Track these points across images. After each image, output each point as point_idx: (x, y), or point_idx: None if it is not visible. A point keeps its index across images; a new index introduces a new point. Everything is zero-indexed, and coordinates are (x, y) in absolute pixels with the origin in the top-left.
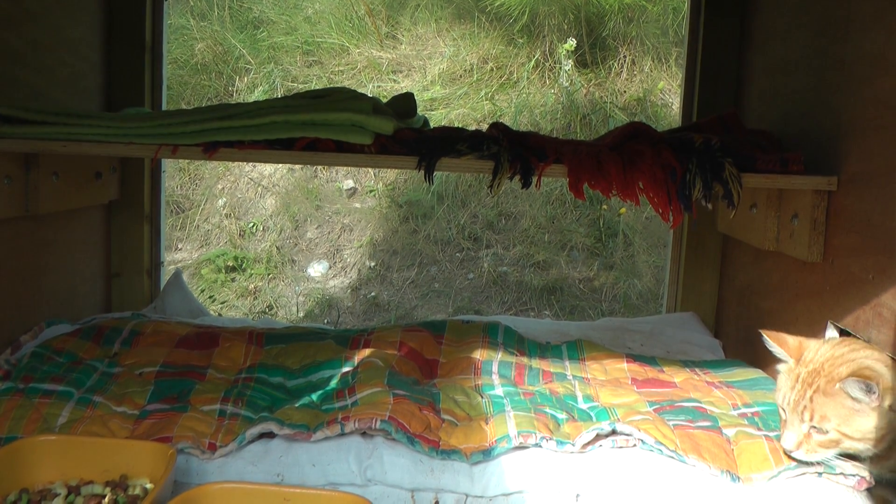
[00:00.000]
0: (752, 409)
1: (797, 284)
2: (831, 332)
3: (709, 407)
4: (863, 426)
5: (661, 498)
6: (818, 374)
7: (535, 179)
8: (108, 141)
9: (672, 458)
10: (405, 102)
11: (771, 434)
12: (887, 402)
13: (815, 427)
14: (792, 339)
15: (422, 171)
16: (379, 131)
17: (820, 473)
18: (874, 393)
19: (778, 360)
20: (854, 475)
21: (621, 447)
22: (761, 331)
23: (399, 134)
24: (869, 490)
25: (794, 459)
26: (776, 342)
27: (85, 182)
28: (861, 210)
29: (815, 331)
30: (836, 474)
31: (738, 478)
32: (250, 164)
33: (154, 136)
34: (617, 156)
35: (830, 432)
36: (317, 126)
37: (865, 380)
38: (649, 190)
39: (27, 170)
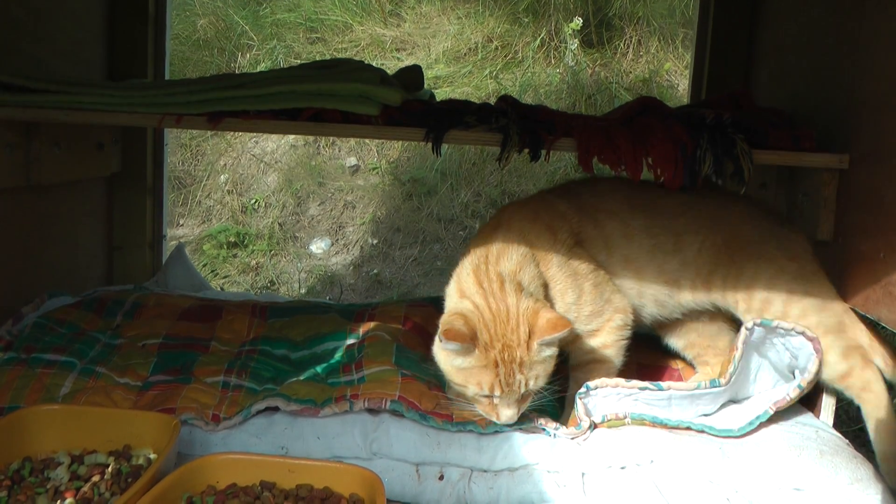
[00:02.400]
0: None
1: None
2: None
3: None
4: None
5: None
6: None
7: (544, 153)
8: (111, 110)
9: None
10: (412, 75)
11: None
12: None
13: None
14: (464, 326)
15: (429, 144)
16: (386, 102)
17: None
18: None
19: None
20: None
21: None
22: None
23: (406, 105)
24: None
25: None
26: (456, 339)
27: (87, 153)
28: (873, 188)
29: None
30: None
31: (719, 382)
32: (253, 140)
33: (158, 106)
34: (627, 130)
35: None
36: (323, 96)
37: None
38: (658, 165)
39: (29, 139)
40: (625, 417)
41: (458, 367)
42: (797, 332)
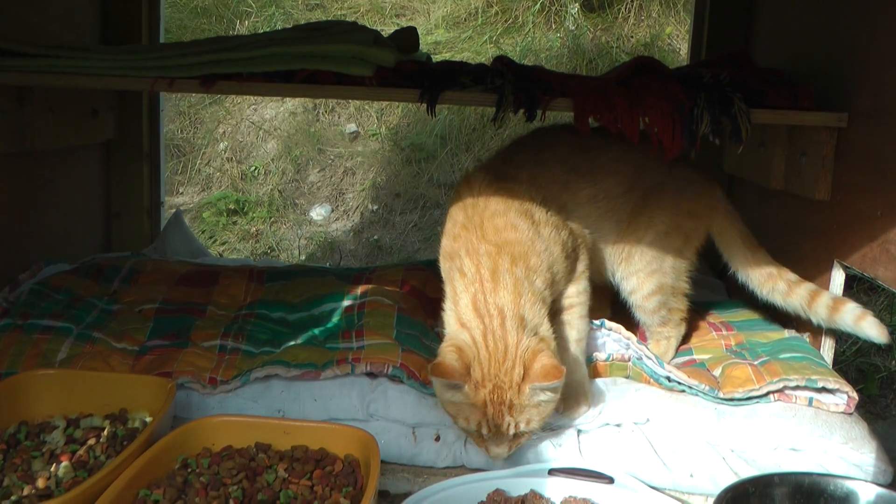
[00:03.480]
0: (743, 347)
1: (803, 224)
2: (839, 272)
3: (699, 356)
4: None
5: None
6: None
7: (539, 113)
8: (103, 74)
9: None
10: (408, 37)
11: (755, 362)
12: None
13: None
14: (457, 360)
15: (424, 106)
16: (380, 63)
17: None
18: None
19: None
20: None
21: None
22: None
23: (401, 66)
24: None
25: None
26: (444, 375)
27: (81, 119)
28: (872, 146)
29: (821, 270)
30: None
31: (717, 393)
32: (252, 107)
33: (150, 69)
34: (623, 90)
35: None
36: (317, 58)
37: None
38: (655, 124)
39: (21, 105)
40: (628, 360)
41: (447, 400)
42: (841, 391)
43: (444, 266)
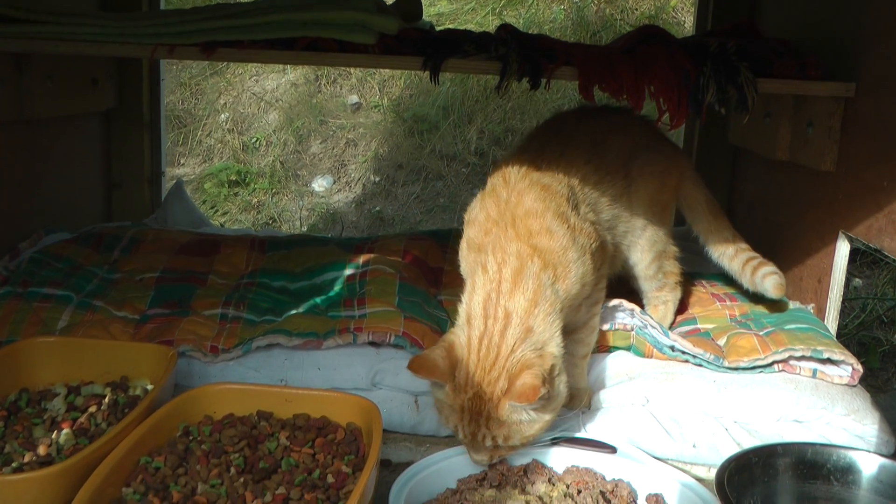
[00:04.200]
0: (748, 317)
1: (809, 195)
2: (843, 243)
3: (703, 325)
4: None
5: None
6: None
7: (544, 81)
8: (102, 41)
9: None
10: (410, 5)
11: (761, 332)
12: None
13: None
14: (443, 359)
15: (427, 75)
16: (383, 30)
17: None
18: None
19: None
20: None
21: None
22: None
23: (404, 34)
24: None
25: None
26: (418, 372)
27: (81, 87)
28: (879, 117)
29: (825, 241)
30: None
31: (722, 362)
32: (253, 78)
33: (150, 36)
34: (629, 58)
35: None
36: (319, 25)
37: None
38: (660, 93)
39: (20, 72)
40: (631, 330)
41: (433, 393)
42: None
43: (469, 257)
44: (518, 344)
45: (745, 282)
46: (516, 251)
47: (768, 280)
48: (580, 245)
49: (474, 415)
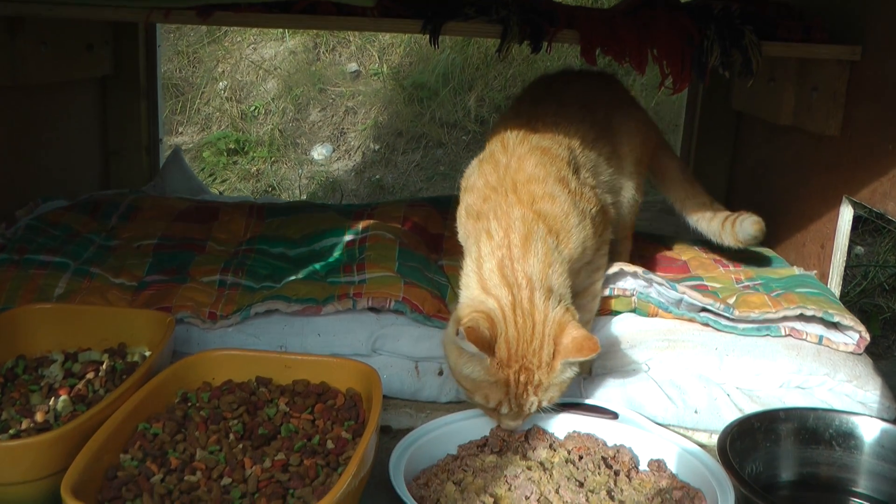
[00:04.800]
0: (756, 282)
1: (812, 160)
2: (847, 208)
3: (710, 283)
4: None
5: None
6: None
7: (545, 44)
8: (97, 4)
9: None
10: None
11: (772, 294)
12: None
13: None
14: (489, 331)
15: (427, 37)
16: None
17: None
18: None
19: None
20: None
21: None
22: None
23: None
24: None
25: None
26: (477, 342)
27: (76, 53)
28: (885, 80)
29: (829, 206)
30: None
31: (732, 311)
32: (251, 46)
33: (145, 0)
34: (632, 21)
35: None
36: None
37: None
38: (664, 57)
39: (12, 36)
40: (632, 295)
41: (466, 374)
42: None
43: (468, 224)
44: (547, 308)
45: (727, 237)
46: (520, 216)
47: (746, 221)
48: (581, 210)
49: (523, 385)
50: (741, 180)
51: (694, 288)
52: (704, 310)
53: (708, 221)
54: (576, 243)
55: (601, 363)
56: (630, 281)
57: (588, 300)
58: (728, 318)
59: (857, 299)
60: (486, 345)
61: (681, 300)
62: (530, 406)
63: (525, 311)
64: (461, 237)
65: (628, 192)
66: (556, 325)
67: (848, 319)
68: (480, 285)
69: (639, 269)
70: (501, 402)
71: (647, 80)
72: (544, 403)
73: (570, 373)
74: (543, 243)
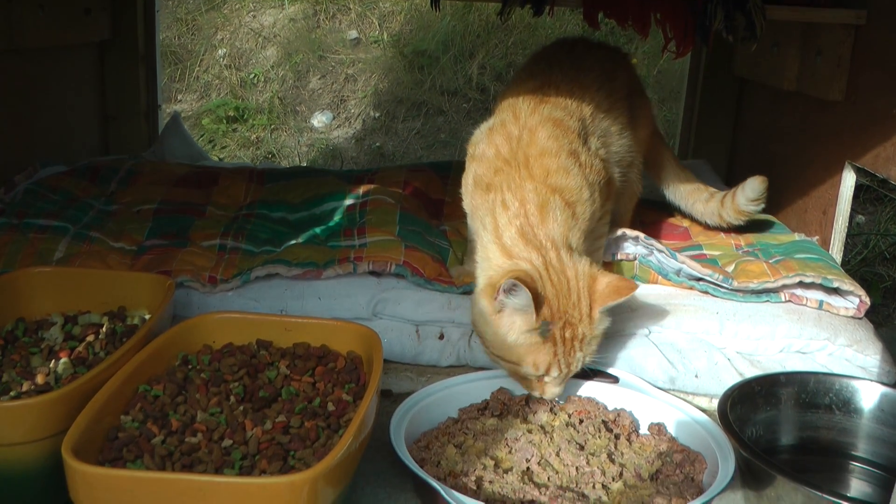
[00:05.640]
0: (755, 247)
1: (815, 126)
2: (849, 173)
3: (710, 251)
4: None
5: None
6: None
7: (547, 8)
8: None
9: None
10: None
11: (770, 260)
12: None
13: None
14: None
15: (428, 1)
16: None
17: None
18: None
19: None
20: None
21: None
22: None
23: None
24: None
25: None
26: (530, 290)
27: (73, 17)
28: (890, 44)
29: (831, 172)
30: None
31: (731, 282)
32: (251, 13)
33: None
34: None
35: None
36: None
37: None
38: (667, 20)
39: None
40: (634, 259)
41: (511, 344)
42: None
43: (475, 195)
44: (575, 262)
45: (728, 212)
46: (534, 189)
47: (749, 182)
48: (590, 182)
49: (569, 342)
50: (743, 148)
51: (693, 258)
52: (703, 280)
53: (705, 203)
54: (588, 215)
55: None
56: (632, 247)
57: None
58: (727, 289)
59: (858, 268)
60: (536, 295)
61: (680, 270)
62: (577, 364)
63: (557, 269)
64: (466, 205)
65: (635, 171)
66: (587, 276)
67: (847, 284)
68: (504, 253)
69: (641, 235)
70: (551, 364)
71: (650, 48)
72: (587, 359)
73: (606, 323)
74: (561, 211)
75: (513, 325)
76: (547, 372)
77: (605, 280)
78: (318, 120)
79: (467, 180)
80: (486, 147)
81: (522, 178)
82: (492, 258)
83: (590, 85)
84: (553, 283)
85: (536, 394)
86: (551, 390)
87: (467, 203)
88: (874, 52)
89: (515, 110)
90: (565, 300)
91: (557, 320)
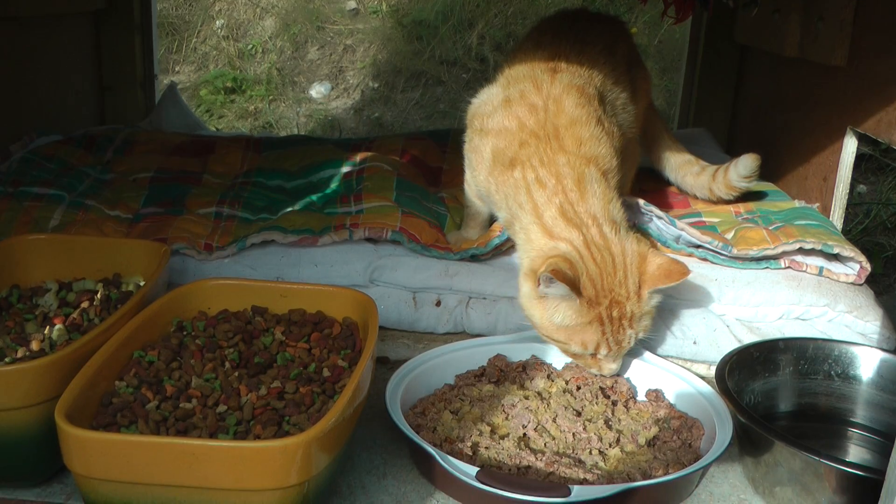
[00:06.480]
0: (754, 214)
1: (817, 92)
2: (851, 139)
3: (709, 218)
4: None
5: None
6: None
7: None
8: None
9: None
10: None
11: (770, 227)
12: None
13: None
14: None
15: None
16: None
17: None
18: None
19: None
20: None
21: None
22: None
23: None
24: None
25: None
26: (564, 280)
27: None
28: (893, 7)
29: (833, 139)
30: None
31: (731, 248)
32: None
33: None
34: None
35: None
36: None
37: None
38: None
39: None
40: (632, 227)
41: (558, 324)
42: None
43: (495, 173)
44: (621, 238)
45: (719, 186)
46: (568, 162)
47: (742, 159)
48: (617, 149)
49: (617, 321)
50: (743, 115)
51: (692, 225)
52: (702, 247)
53: (695, 176)
54: (615, 182)
55: None
56: (630, 214)
57: None
58: (726, 256)
59: (860, 237)
60: (574, 283)
61: (679, 237)
62: (628, 341)
63: (600, 246)
64: (481, 181)
65: (634, 140)
66: (637, 255)
67: (848, 250)
68: (545, 234)
69: (640, 202)
70: (600, 343)
71: (651, 17)
72: (640, 335)
73: (657, 300)
74: (598, 183)
75: (558, 308)
76: (596, 351)
77: (655, 262)
78: (317, 91)
79: (485, 153)
80: (504, 120)
81: (554, 150)
82: (533, 239)
83: (597, 57)
84: (596, 261)
85: (594, 371)
86: (608, 367)
87: (482, 179)
88: (877, 15)
89: (535, 80)
90: (610, 278)
91: (603, 299)
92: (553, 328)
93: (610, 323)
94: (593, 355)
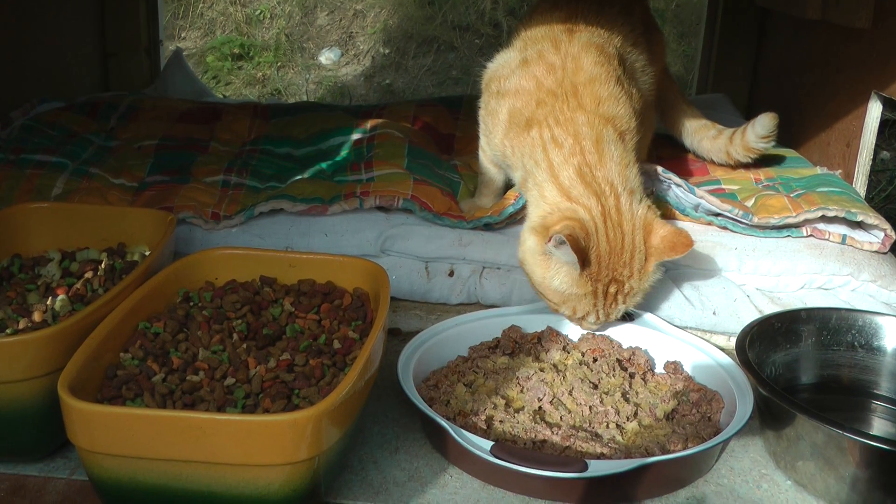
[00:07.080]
0: (775, 181)
1: (840, 55)
2: (875, 104)
3: (728, 185)
4: None
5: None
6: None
7: None
8: None
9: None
10: None
11: (791, 195)
12: None
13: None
14: (584, 240)
15: None
16: None
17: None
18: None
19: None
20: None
21: None
22: (566, 237)
23: None
24: None
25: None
26: (574, 248)
27: None
28: None
29: (857, 102)
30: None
31: (751, 217)
32: None
33: None
34: None
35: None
36: None
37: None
38: None
39: None
40: (650, 195)
41: (555, 288)
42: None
43: (511, 134)
44: (633, 211)
45: (737, 149)
46: (586, 122)
47: (759, 119)
48: (636, 111)
49: (611, 297)
50: (764, 81)
51: (712, 192)
52: (722, 215)
53: (712, 140)
54: (633, 145)
55: None
56: (648, 182)
57: None
58: (747, 224)
59: (883, 205)
60: (584, 254)
61: (698, 205)
62: (616, 314)
63: (615, 222)
64: (497, 144)
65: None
66: (643, 225)
67: (872, 217)
68: (562, 193)
69: (658, 168)
70: (589, 312)
71: None
72: (630, 307)
73: (660, 274)
74: (616, 145)
75: (559, 271)
76: (584, 318)
77: (660, 232)
78: (326, 57)
79: (501, 115)
80: (522, 80)
81: (572, 109)
82: (547, 196)
83: (615, 18)
84: (609, 238)
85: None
86: (588, 326)
87: (498, 142)
88: None
89: (554, 39)
90: (617, 258)
91: (603, 277)
92: (550, 290)
93: (604, 298)
94: (581, 318)
